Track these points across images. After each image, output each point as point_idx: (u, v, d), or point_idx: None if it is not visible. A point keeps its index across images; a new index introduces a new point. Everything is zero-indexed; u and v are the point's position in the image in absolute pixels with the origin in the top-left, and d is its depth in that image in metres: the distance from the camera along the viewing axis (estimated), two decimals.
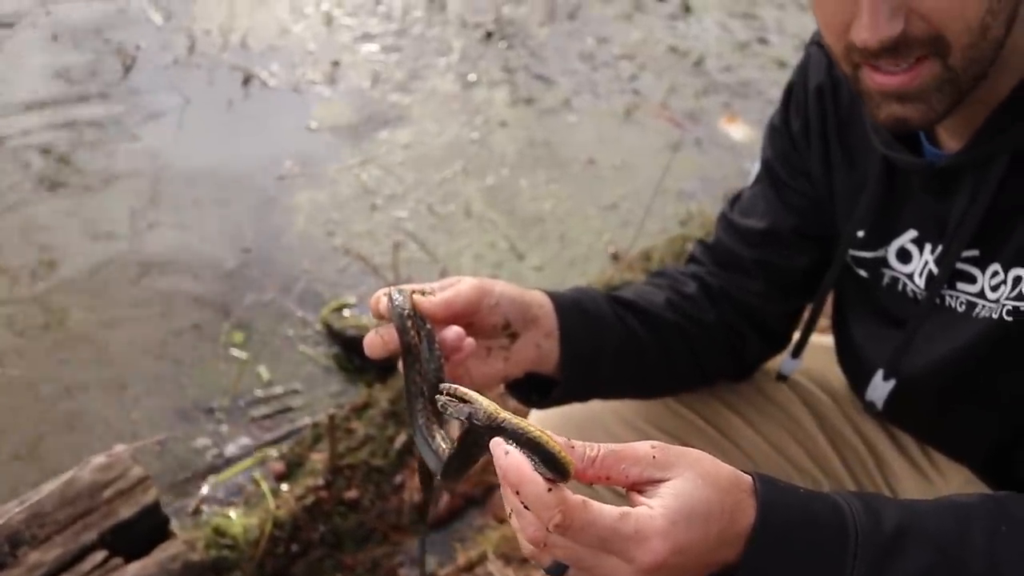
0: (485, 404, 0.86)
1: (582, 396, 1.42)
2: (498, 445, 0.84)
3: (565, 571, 0.87)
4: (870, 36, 1.04)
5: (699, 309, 1.47)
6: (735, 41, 4.61)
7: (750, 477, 0.92)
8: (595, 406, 1.52)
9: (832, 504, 0.95)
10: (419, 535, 2.45)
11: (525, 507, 0.83)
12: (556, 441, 0.83)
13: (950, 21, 1.03)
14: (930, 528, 0.96)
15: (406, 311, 1.11)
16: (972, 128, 1.16)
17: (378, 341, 1.14)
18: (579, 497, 0.83)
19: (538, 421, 1.52)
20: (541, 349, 1.29)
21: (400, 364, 1.13)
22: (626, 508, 0.85)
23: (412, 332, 1.11)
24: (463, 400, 0.88)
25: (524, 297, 1.27)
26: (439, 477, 1.04)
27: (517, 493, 0.83)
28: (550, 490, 0.82)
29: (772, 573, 0.90)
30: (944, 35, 1.04)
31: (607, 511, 0.84)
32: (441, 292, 1.18)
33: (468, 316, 1.19)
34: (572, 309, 1.33)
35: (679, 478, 0.88)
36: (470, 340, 1.17)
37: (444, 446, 1.05)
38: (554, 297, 1.33)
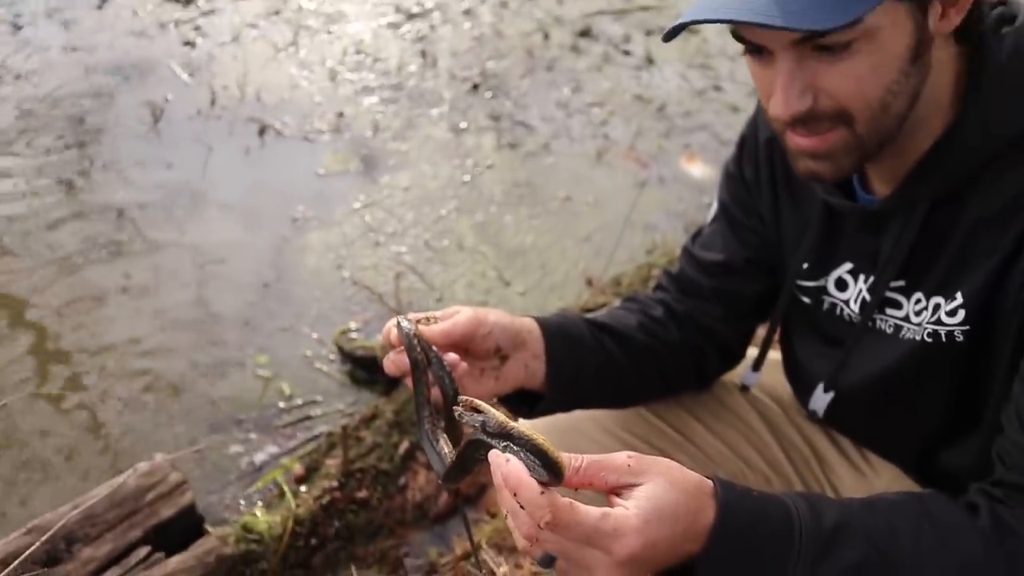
0: (496, 415, 0.90)
1: (565, 408, 1.44)
2: (498, 455, 0.88)
3: (554, 562, 0.90)
4: (782, 112, 1.08)
5: (666, 331, 1.49)
6: (693, 89, 4.60)
7: (712, 482, 0.95)
8: (577, 414, 1.53)
9: (781, 505, 0.98)
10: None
11: (520, 507, 0.86)
12: (554, 447, 0.87)
13: (853, 100, 1.07)
14: (864, 525, 0.99)
15: (413, 334, 1.15)
16: (898, 178, 1.19)
17: (391, 365, 1.18)
18: (567, 500, 0.86)
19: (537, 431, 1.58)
20: (529, 369, 1.32)
21: (410, 381, 1.16)
22: (606, 509, 0.88)
23: (419, 352, 1.14)
24: (477, 411, 0.92)
25: (514, 324, 1.30)
26: (442, 480, 1.06)
27: (515, 495, 0.86)
28: (542, 493, 0.85)
29: (729, 563, 0.93)
30: (848, 110, 1.08)
31: (590, 511, 0.87)
32: (442, 322, 1.21)
33: (465, 343, 1.23)
34: (557, 333, 1.36)
35: (651, 483, 0.90)
36: (464, 365, 1.20)
37: (447, 450, 1.08)
38: (541, 323, 1.35)
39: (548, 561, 0.90)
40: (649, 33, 5.04)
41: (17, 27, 4.77)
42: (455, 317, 1.23)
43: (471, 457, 0.96)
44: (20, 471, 2.61)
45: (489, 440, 0.91)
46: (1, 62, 4.46)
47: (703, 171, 4.05)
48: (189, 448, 2.37)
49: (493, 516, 2.48)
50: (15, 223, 3.52)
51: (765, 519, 0.95)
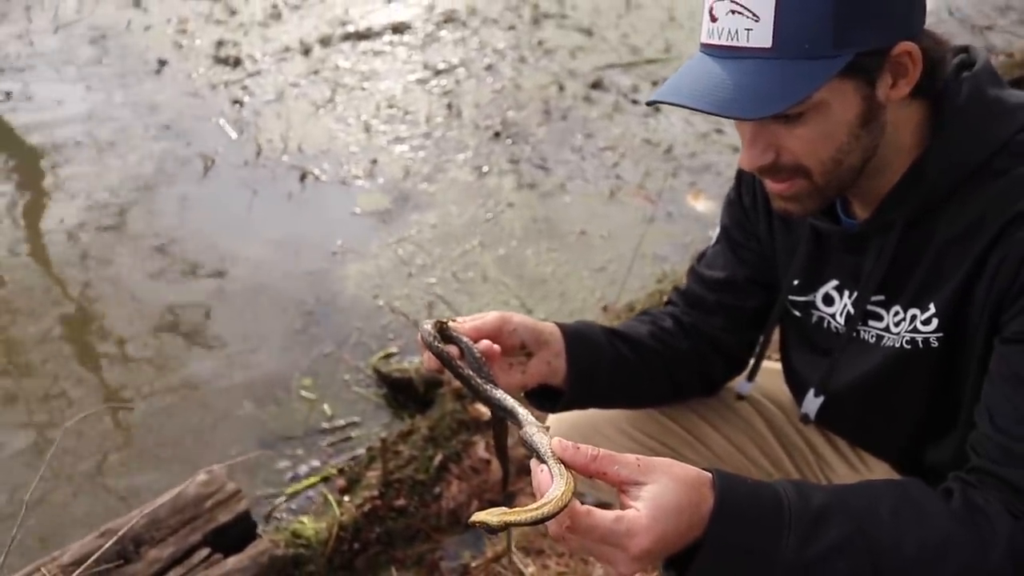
0: (533, 433, 0.98)
1: (583, 404, 1.48)
2: (535, 465, 0.95)
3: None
4: (747, 166, 1.17)
5: (675, 339, 1.53)
6: (697, 132, 4.64)
7: (710, 473, 0.98)
8: (596, 415, 1.58)
9: (772, 490, 1.01)
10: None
11: None
12: (552, 505, 0.89)
13: (808, 159, 1.14)
14: (848, 506, 1.02)
15: (429, 332, 1.21)
16: (875, 204, 1.24)
17: (427, 360, 1.23)
18: (585, 507, 0.91)
19: (553, 424, 1.60)
20: (551, 365, 1.36)
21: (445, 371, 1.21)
22: (619, 512, 0.92)
23: (438, 343, 1.20)
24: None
25: (537, 326, 1.35)
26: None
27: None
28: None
29: (729, 543, 0.96)
30: (805, 166, 1.15)
31: (606, 515, 0.91)
32: (472, 320, 1.28)
33: (493, 338, 1.27)
34: (576, 336, 1.40)
35: (656, 483, 0.94)
36: (496, 347, 1.25)
37: (511, 402, 1.12)
38: (561, 326, 1.40)
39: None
40: (655, 84, 5.08)
41: (89, 88, 4.91)
42: (484, 316, 1.29)
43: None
44: (84, 482, 2.68)
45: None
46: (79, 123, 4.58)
47: (707, 207, 4.07)
48: (242, 456, 2.40)
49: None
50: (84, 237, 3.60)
51: (758, 503, 0.99)
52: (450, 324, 1.24)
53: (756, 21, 1.06)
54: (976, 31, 5.64)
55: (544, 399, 1.43)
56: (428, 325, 1.22)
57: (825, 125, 1.12)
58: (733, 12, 1.08)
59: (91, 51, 5.30)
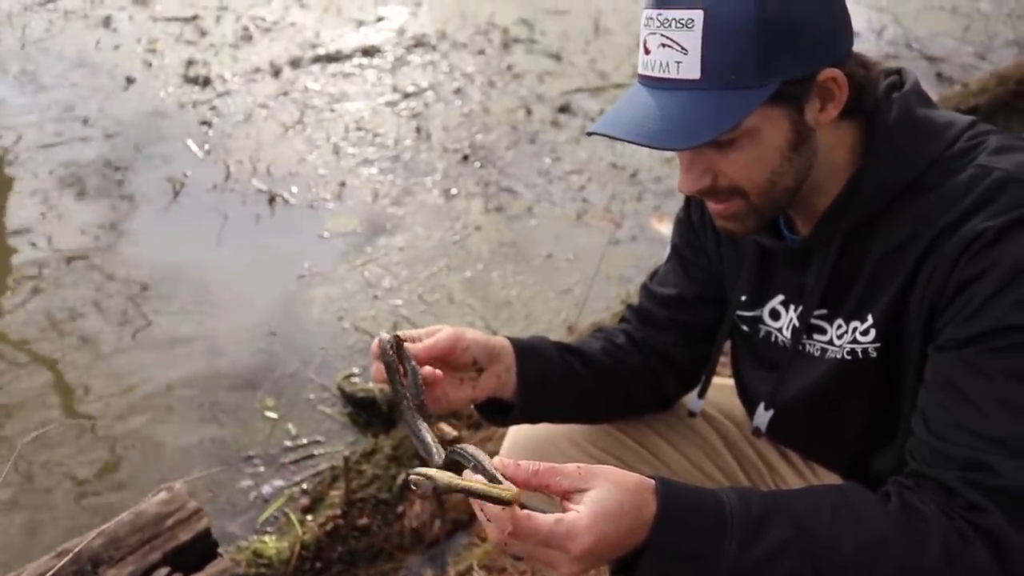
0: (445, 477, 0.94)
1: (534, 419, 1.49)
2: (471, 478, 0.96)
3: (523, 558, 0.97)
4: (685, 190, 1.20)
5: (627, 355, 1.54)
6: (663, 157, 4.68)
7: (653, 480, 1.00)
8: (551, 431, 1.58)
9: (714, 496, 1.03)
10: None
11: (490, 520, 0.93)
12: (498, 489, 0.92)
13: (743, 181, 1.18)
14: (788, 509, 1.04)
15: (388, 342, 1.23)
16: (815, 219, 1.27)
17: (375, 371, 1.25)
18: (525, 512, 0.93)
19: (509, 439, 1.62)
20: (501, 379, 1.37)
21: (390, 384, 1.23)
22: (559, 515, 0.94)
23: (392, 357, 1.23)
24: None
25: (489, 342, 1.36)
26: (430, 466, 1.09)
27: (483, 511, 0.93)
28: (503, 509, 0.92)
29: (672, 547, 0.98)
30: (741, 188, 1.18)
31: (545, 519, 0.93)
32: (426, 340, 1.29)
33: (445, 358, 1.29)
34: (528, 350, 1.42)
35: (597, 488, 0.96)
36: (439, 372, 1.27)
37: (430, 439, 1.14)
38: (513, 341, 1.42)
39: (519, 558, 0.98)
40: None
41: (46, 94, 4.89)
42: (437, 335, 1.30)
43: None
44: (44, 501, 2.65)
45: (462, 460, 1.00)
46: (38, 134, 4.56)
47: (671, 229, 4.06)
48: (202, 473, 2.39)
49: (483, 540, 2.50)
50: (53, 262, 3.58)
51: (700, 508, 1.01)
52: (405, 344, 1.26)
53: (684, 54, 1.11)
54: (934, 61, 5.76)
55: (495, 413, 1.44)
56: (387, 337, 1.24)
57: (757, 150, 1.16)
58: (664, 45, 1.13)
59: (59, 67, 5.28)
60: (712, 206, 1.23)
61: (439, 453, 1.11)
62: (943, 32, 6.22)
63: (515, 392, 1.40)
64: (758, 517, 1.01)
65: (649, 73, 1.16)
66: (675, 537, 0.98)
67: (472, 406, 1.41)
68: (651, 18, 1.14)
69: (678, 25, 1.11)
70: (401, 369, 1.23)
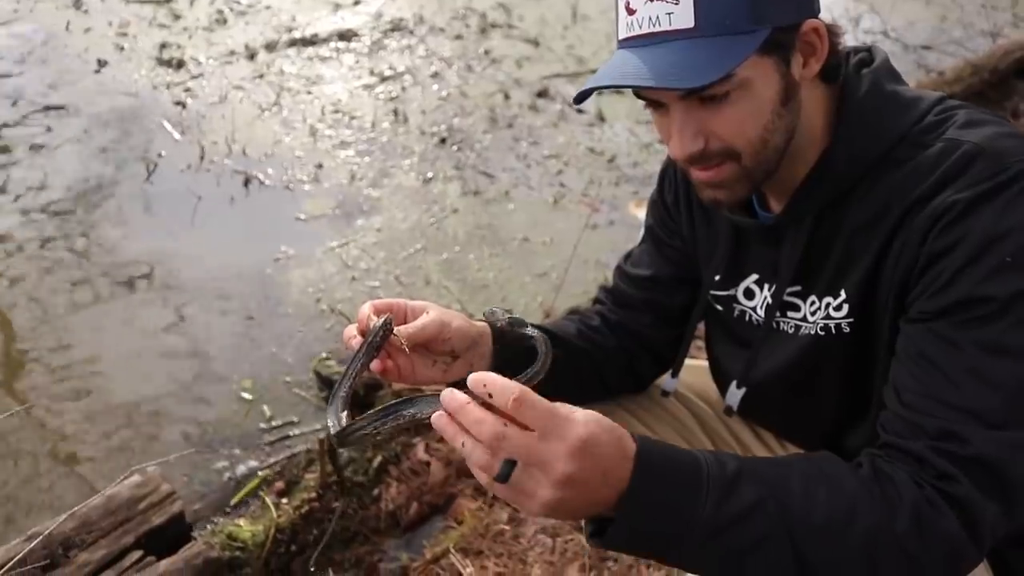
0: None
1: None
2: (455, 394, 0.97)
3: (511, 472, 0.93)
4: (678, 153, 1.18)
5: (602, 337, 1.54)
6: (641, 142, 4.71)
7: (634, 443, 0.99)
8: None
9: (691, 455, 1.02)
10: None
11: (480, 420, 0.93)
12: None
13: (737, 139, 1.17)
14: (762, 473, 1.04)
15: (381, 327, 1.21)
16: (787, 197, 1.28)
17: (348, 338, 1.24)
18: (524, 389, 0.93)
19: None
20: (473, 367, 1.34)
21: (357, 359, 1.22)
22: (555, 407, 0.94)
23: (377, 340, 1.21)
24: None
25: (470, 333, 1.33)
26: (334, 438, 1.15)
27: (485, 387, 0.94)
28: (491, 396, 0.93)
29: (649, 500, 0.97)
30: (734, 148, 1.17)
31: (545, 401, 0.94)
32: (411, 324, 1.25)
33: (427, 343, 1.27)
34: (504, 336, 1.39)
35: (580, 415, 0.96)
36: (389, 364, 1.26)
37: (345, 419, 1.16)
38: (493, 329, 1.39)
39: (506, 474, 0.93)
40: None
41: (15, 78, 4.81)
42: (424, 322, 1.27)
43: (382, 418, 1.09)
44: (22, 483, 2.62)
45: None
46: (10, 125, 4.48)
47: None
48: (175, 454, 2.36)
49: (460, 523, 2.49)
50: (29, 243, 3.52)
51: (677, 466, 1.00)
52: (392, 333, 1.23)
53: (676, 4, 1.11)
54: (911, 50, 5.78)
55: None
56: (381, 320, 1.22)
57: (750, 103, 1.15)
58: (652, 0, 1.12)
59: (26, 48, 5.20)
60: (700, 174, 1.21)
61: (339, 424, 1.15)
62: (919, 21, 6.24)
63: None
64: (733, 476, 1.01)
65: (636, 32, 1.15)
66: (653, 490, 0.98)
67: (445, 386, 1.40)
68: None
69: None
70: (369, 351, 1.22)
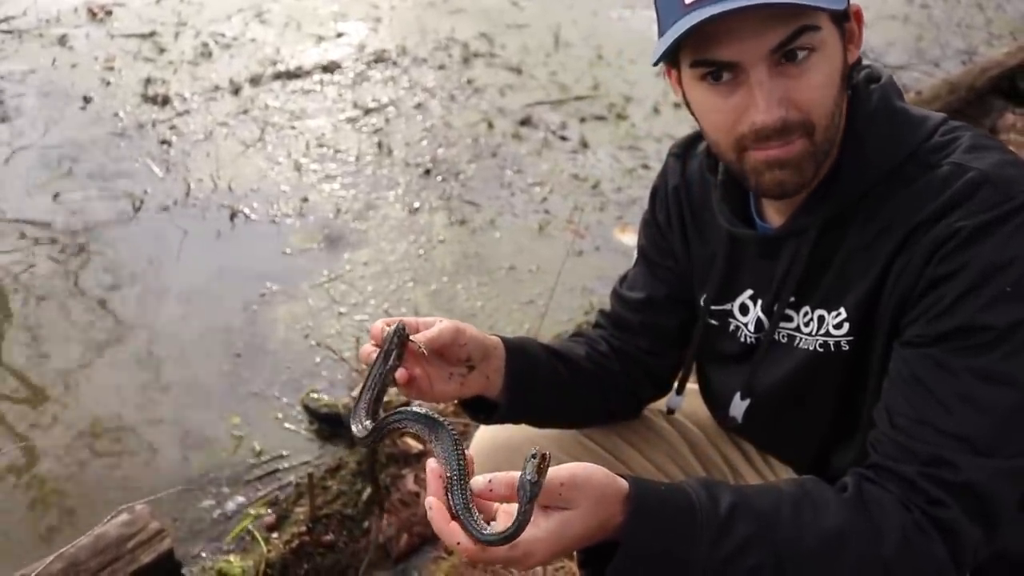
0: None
1: (517, 418, 1.48)
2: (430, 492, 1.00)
3: None
4: (769, 118, 1.15)
5: (608, 362, 1.56)
6: (624, 168, 4.72)
7: (626, 485, 1.02)
8: (520, 437, 1.58)
9: (684, 495, 1.05)
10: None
11: None
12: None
13: (815, 109, 1.16)
14: (752, 505, 1.06)
15: (393, 334, 1.22)
16: (790, 209, 1.29)
17: (364, 355, 1.24)
18: (479, 546, 0.96)
19: (476, 443, 1.63)
20: (490, 380, 1.37)
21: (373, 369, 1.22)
22: (516, 541, 0.95)
23: (393, 346, 1.22)
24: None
25: (485, 342, 1.35)
26: (358, 440, 1.17)
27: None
28: (458, 544, 0.97)
29: (645, 547, 1.01)
30: (812, 119, 1.16)
31: (500, 551, 0.96)
32: (428, 330, 1.26)
33: (442, 350, 1.28)
34: (518, 352, 1.42)
35: (574, 510, 0.98)
36: (417, 372, 1.26)
37: (368, 424, 1.18)
38: (505, 342, 1.41)
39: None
40: (583, 120, 5.18)
41: (5, 119, 4.82)
42: (439, 327, 1.27)
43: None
44: (9, 521, 2.62)
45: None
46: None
47: (634, 240, 4.02)
48: (164, 492, 2.35)
49: (450, 553, 2.49)
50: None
51: (671, 512, 1.04)
52: (409, 340, 1.23)
53: None
54: (888, 70, 5.84)
55: (479, 410, 1.44)
56: (392, 328, 1.23)
57: (826, 69, 1.16)
58: None
59: (13, 88, 5.22)
60: (769, 153, 1.18)
61: (365, 427, 1.17)
62: (896, 40, 6.32)
63: (501, 393, 1.40)
64: (726, 514, 1.04)
65: None
66: (648, 537, 1.02)
67: (457, 402, 1.42)
68: None
69: None
70: (389, 362, 1.22)
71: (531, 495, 0.94)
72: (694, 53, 1.18)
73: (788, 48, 1.13)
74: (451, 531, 0.97)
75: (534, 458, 0.95)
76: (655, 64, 1.21)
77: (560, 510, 0.98)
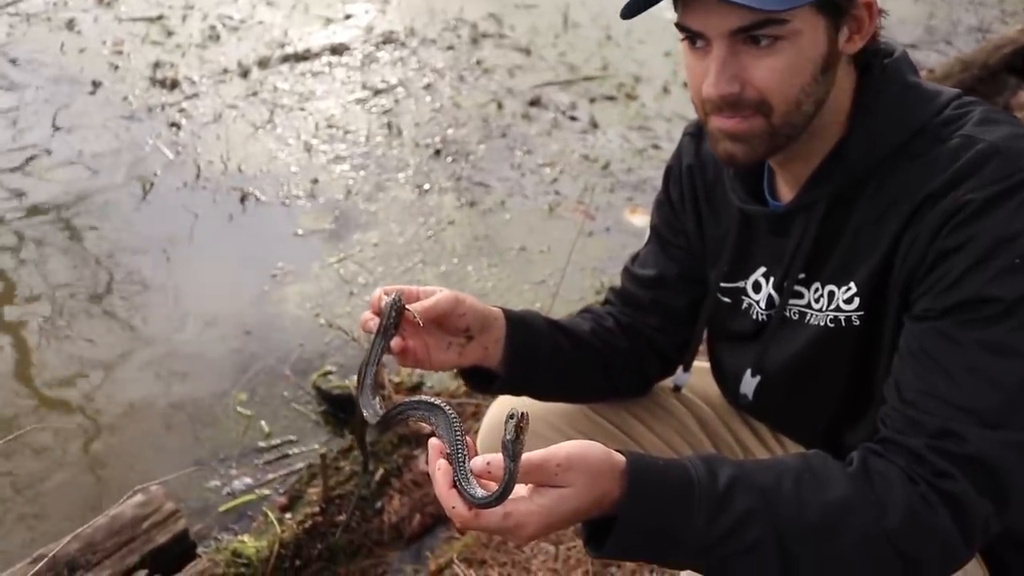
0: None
1: (517, 390, 1.49)
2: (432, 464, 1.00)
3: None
4: (713, 91, 1.17)
5: (614, 338, 1.55)
6: (634, 148, 4.70)
7: (624, 461, 1.02)
8: (533, 413, 1.59)
9: (683, 470, 1.05)
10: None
11: None
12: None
13: (773, 93, 1.16)
14: (754, 479, 1.06)
15: (389, 305, 1.22)
16: (800, 183, 1.29)
17: (365, 323, 1.25)
18: (473, 511, 0.96)
19: (487, 422, 1.63)
20: (488, 351, 1.37)
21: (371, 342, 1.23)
22: (508, 509, 0.96)
23: (391, 322, 1.22)
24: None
25: (485, 312, 1.36)
26: (373, 424, 1.18)
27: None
28: (453, 508, 0.96)
29: (641, 524, 1.01)
30: (768, 101, 1.16)
31: (494, 514, 0.96)
32: (425, 299, 1.27)
33: (441, 320, 1.29)
34: (519, 324, 1.42)
35: (569, 488, 0.98)
36: (404, 344, 1.27)
37: (379, 404, 1.19)
38: (507, 313, 1.41)
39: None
40: (593, 100, 5.16)
41: (14, 107, 4.83)
42: (437, 296, 1.28)
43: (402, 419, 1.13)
44: (18, 502, 2.64)
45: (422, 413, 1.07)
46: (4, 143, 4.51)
47: (644, 221, 4.01)
48: (177, 473, 2.37)
49: (463, 533, 2.50)
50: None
51: (669, 490, 1.03)
52: (405, 310, 1.24)
53: None
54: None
55: (480, 380, 1.44)
56: (389, 298, 1.23)
57: (795, 58, 1.15)
58: None
59: (22, 72, 5.22)
60: (724, 123, 1.20)
61: (377, 412, 1.18)
62: (909, 19, 6.27)
63: (500, 364, 1.40)
64: (724, 489, 1.03)
65: None
66: (643, 512, 1.01)
67: (457, 371, 1.42)
68: None
69: None
70: (387, 331, 1.22)
71: (513, 454, 0.94)
72: (680, 17, 1.20)
73: (751, 33, 1.14)
74: (448, 496, 0.97)
75: (512, 419, 0.96)
76: (624, 16, 1.23)
77: (556, 487, 0.98)
